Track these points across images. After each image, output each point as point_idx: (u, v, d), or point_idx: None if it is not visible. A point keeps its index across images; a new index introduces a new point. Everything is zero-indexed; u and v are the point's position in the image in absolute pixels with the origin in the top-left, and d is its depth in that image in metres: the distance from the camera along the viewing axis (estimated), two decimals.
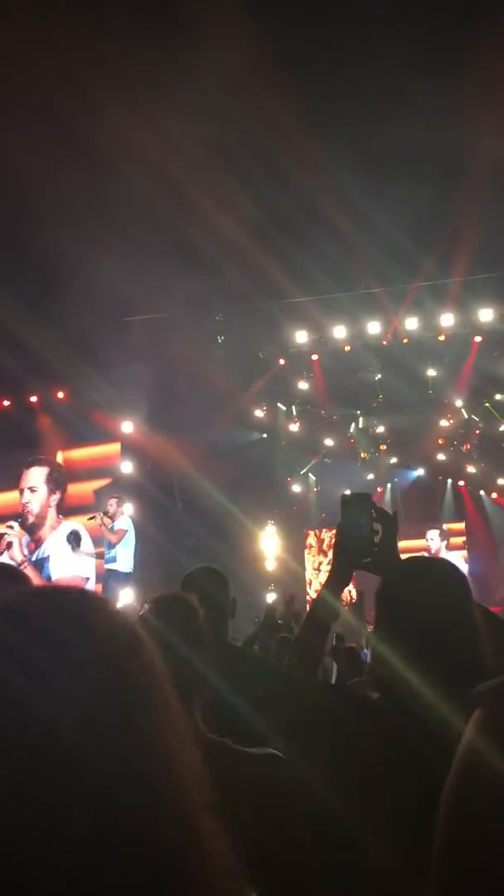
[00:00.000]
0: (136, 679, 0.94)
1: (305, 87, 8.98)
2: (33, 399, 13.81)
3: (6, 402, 13.74)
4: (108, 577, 10.90)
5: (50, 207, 9.45)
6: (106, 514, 11.11)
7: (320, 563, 17.41)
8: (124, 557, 11.11)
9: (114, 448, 13.52)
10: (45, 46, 7.89)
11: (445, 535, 12.54)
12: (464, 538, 17.36)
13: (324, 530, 17.47)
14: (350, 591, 12.69)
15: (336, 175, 9.79)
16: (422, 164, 9.92)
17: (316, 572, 17.42)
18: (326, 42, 8.76)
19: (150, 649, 0.98)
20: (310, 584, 17.11)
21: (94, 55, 8.19)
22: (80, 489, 13.18)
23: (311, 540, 17.82)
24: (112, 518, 11.12)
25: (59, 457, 13.17)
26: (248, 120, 9.15)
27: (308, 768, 1.99)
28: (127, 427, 13.23)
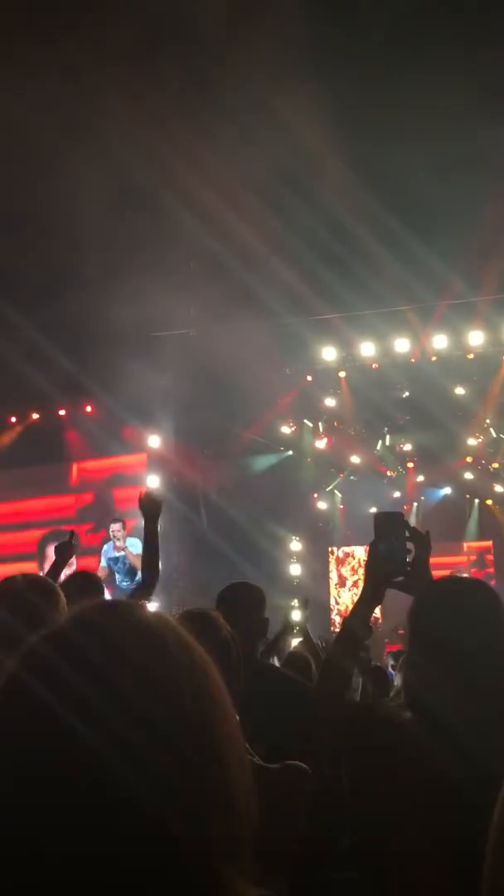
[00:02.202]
0: (210, 701, 0.94)
1: (333, 110, 9.04)
2: (62, 412, 13.93)
3: (35, 416, 13.85)
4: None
5: (86, 232, 9.58)
6: (116, 542, 11.16)
7: (346, 581, 17.37)
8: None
9: (140, 460, 13.62)
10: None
11: (481, 559, 12.48)
12: (491, 556, 17.29)
13: (348, 548, 17.44)
14: (375, 618, 12.65)
15: (364, 195, 9.83)
16: (448, 182, 9.94)
17: (340, 589, 17.37)
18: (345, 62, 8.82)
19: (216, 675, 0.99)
20: (337, 601, 17.08)
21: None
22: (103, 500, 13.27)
23: (337, 557, 17.78)
24: (122, 545, 11.16)
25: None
26: (276, 142, 9.22)
27: (341, 784, 2.00)
28: (154, 441, 13.29)
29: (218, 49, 8.52)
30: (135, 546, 11.33)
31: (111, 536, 11.91)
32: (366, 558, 2.30)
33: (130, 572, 11.46)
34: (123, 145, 9.02)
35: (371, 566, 2.27)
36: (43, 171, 8.90)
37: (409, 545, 2.29)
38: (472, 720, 1.82)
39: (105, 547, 12.24)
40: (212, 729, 0.92)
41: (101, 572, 11.78)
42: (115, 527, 11.75)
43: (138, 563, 11.26)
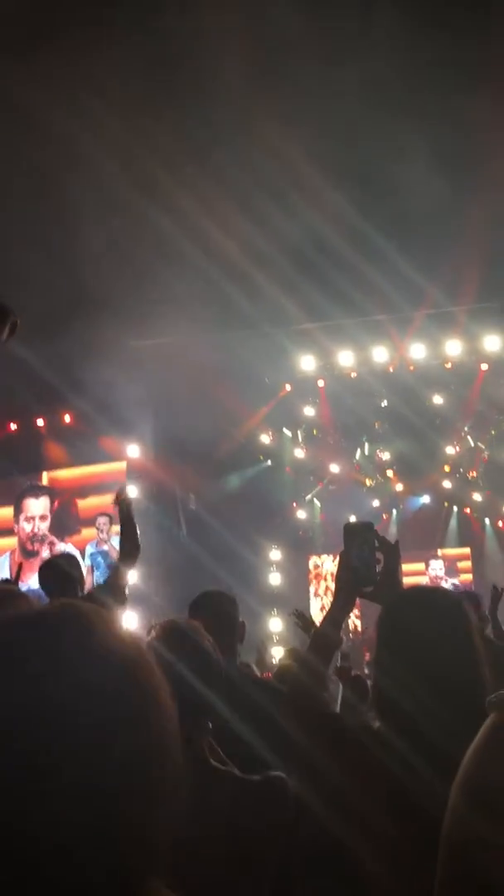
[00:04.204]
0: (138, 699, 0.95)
1: (314, 123, 9.11)
2: (40, 422, 13.88)
3: (13, 426, 13.81)
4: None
5: (65, 243, 9.60)
6: (100, 534, 11.19)
7: (326, 589, 17.38)
8: None
9: (119, 469, 13.60)
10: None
11: (452, 567, 12.59)
12: (470, 563, 17.35)
13: (327, 556, 17.45)
14: (355, 623, 12.68)
15: (342, 206, 9.88)
16: (426, 194, 10.01)
17: (319, 598, 17.38)
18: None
19: (152, 672, 0.99)
20: (321, 609, 17.08)
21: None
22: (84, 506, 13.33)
23: (316, 564, 17.78)
24: (106, 538, 11.18)
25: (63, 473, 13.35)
26: (255, 152, 9.26)
27: (311, 795, 2.01)
28: (133, 451, 13.28)
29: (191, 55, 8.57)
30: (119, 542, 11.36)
31: (97, 528, 11.91)
32: (335, 568, 2.32)
33: (111, 567, 11.48)
34: (108, 155, 9.03)
35: (341, 576, 2.29)
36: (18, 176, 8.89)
37: (379, 555, 2.31)
38: (442, 726, 1.83)
39: (88, 544, 12.25)
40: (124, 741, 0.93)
41: (86, 570, 11.87)
42: (102, 519, 11.77)
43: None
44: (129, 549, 4.55)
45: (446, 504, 18.22)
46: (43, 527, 12.37)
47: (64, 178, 8.93)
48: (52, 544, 12.12)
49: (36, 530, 12.34)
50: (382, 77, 8.45)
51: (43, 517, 12.60)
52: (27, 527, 12.57)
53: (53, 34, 7.51)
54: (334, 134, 9.05)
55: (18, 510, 12.92)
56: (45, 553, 12.05)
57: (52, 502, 12.83)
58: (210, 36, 8.13)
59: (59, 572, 4.29)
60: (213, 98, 8.91)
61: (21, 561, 11.43)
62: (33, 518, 12.67)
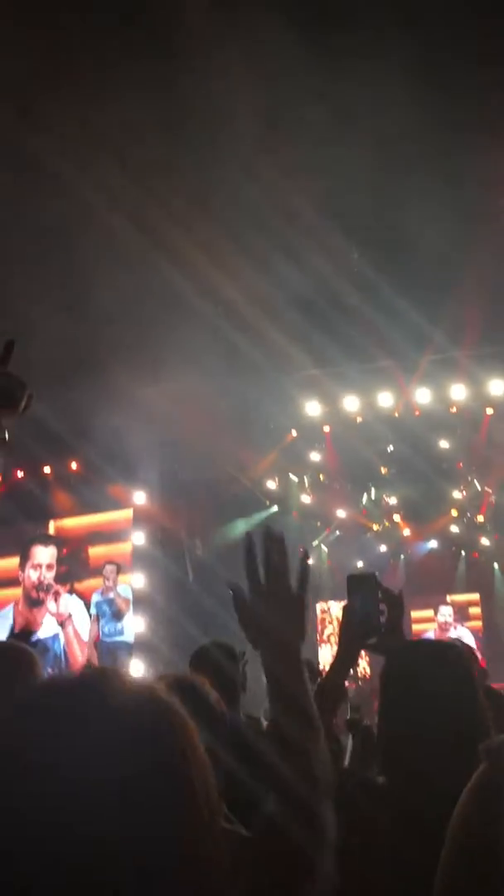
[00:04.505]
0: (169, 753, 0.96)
1: (318, 167, 9.24)
2: (46, 470, 13.91)
3: (20, 474, 13.84)
4: (118, 650, 10.86)
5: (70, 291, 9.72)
6: (106, 581, 11.18)
7: (332, 635, 17.23)
8: (129, 628, 11.10)
9: (125, 517, 13.59)
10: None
11: (462, 613, 12.45)
12: (479, 609, 17.22)
13: (335, 602, 17.33)
14: (365, 669, 12.57)
15: (347, 254, 10.00)
16: (430, 241, 10.12)
17: (328, 644, 17.24)
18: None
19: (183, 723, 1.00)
20: (333, 657, 16.92)
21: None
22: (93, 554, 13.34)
23: (323, 610, 17.66)
24: (112, 586, 11.16)
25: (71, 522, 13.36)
26: (263, 204, 9.39)
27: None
28: (139, 497, 13.29)
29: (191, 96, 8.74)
30: (125, 591, 11.34)
31: (104, 577, 11.87)
32: (339, 618, 2.33)
33: (116, 615, 11.42)
34: (114, 205, 9.17)
35: (345, 627, 2.29)
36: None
37: (383, 605, 2.31)
38: (446, 777, 1.82)
39: (94, 593, 12.23)
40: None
41: (92, 618, 11.88)
42: (109, 567, 11.74)
43: (125, 607, 11.23)
44: None
45: (454, 549, 18.16)
46: (49, 576, 12.34)
47: (75, 234, 9.08)
48: (56, 594, 12.09)
49: (42, 579, 12.31)
50: (391, 133, 8.60)
51: (49, 566, 12.57)
52: (33, 574, 12.54)
53: (64, 93, 7.68)
54: (341, 185, 9.18)
55: (25, 557, 12.89)
56: (50, 603, 11.99)
57: (59, 551, 12.81)
58: (221, 97, 8.29)
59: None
60: (222, 151, 9.07)
61: (24, 611, 11.41)
62: (40, 566, 12.64)
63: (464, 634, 12.10)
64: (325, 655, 16.36)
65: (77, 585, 12.94)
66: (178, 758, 0.96)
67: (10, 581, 13.00)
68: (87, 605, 12.05)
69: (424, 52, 7.85)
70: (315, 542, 17.46)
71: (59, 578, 12.26)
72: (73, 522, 13.85)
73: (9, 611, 12.31)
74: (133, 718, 0.96)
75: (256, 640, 1.58)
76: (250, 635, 1.59)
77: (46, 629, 11.51)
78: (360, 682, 12.32)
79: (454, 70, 8.08)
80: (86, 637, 11.98)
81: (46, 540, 12.96)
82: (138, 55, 7.80)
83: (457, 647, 2.08)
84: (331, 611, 17.17)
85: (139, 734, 0.95)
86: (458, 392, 13.23)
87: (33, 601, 12.21)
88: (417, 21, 7.85)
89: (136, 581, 11.65)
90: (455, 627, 13.08)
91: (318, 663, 16.75)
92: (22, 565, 12.77)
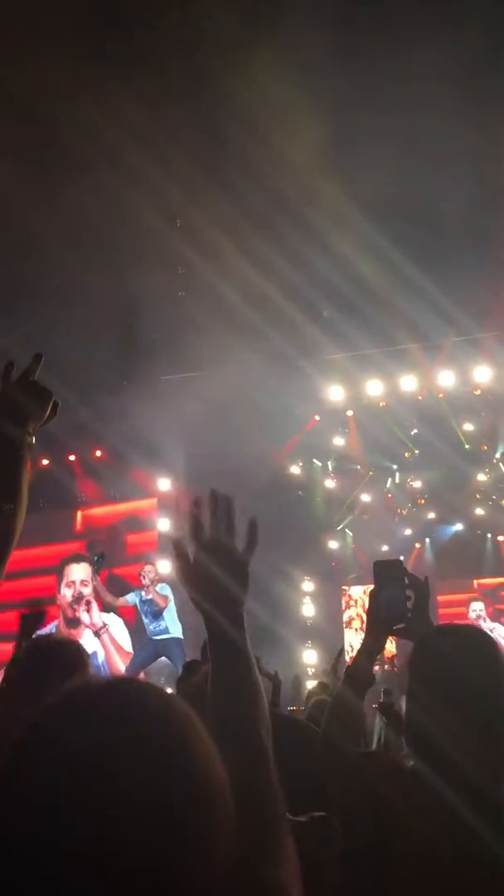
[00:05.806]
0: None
1: (341, 149, 9.21)
2: (72, 458, 13.98)
3: (45, 462, 13.93)
4: (172, 647, 11.01)
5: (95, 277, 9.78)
6: (143, 581, 11.27)
7: (359, 619, 17.21)
8: (175, 623, 11.23)
9: (150, 504, 13.65)
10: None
11: (495, 596, 12.30)
12: None
13: (360, 586, 17.32)
14: (392, 654, 12.57)
15: (372, 237, 9.95)
16: (454, 223, 10.05)
17: (353, 629, 17.23)
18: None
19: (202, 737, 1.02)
20: (351, 644, 16.93)
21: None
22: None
23: (350, 595, 17.65)
24: (153, 583, 11.26)
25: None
26: (291, 192, 9.37)
27: (347, 837, 2.00)
28: (164, 484, 13.33)
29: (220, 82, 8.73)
30: (162, 589, 11.43)
31: (141, 576, 11.93)
32: (367, 599, 2.33)
33: (156, 614, 11.51)
34: (132, 187, 9.18)
35: (372, 614, 2.30)
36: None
37: (409, 591, 2.31)
38: (475, 761, 1.83)
39: (132, 594, 12.27)
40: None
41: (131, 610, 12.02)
42: (148, 568, 11.80)
43: (163, 604, 11.31)
44: None
45: (479, 532, 18.07)
46: (85, 591, 12.50)
47: (107, 227, 9.13)
48: (88, 604, 12.21)
49: (77, 594, 12.48)
50: (423, 123, 8.56)
51: (84, 582, 12.71)
52: (68, 592, 12.68)
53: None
54: (370, 172, 9.13)
55: (60, 577, 13.04)
56: (83, 615, 12.10)
57: (93, 551, 12.88)
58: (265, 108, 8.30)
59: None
60: (239, 125, 9.06)
61: (65, 631, 11.54)
62: (74, 583, 12.80)
63: (497, 628, 11.97)
64: (349, 639, 16.39)
65: (116, 571, 13.04)
66: (198, 775, 0.97)
67: (30, 571, 13.10)
68: (127, 590, 12.14)
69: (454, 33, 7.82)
70: (339, 527, 17.44)
71: (97, 566, 12.26)
72: (100, 511, 13.93)
73: (51, 629, 12.38)
74: (153, 727, 0.98)
75: (198, 593, 1.61)
76: (190, 591, 1.62)
77: (86, 646, 11.47)
78: (386, 666, 12.32)
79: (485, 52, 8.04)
80: (128, 647, 12.14)
81: (79, 558, 13.08)
82: None
83: (485, 633, 2.09)
84: (357, 596, 17.16)
85: (158, 744, 0.97)
86: (482, 374, 13.13)
87: (71, 621, 12.34)
88: None
89: (162, 568, 11.70)
90: (485, 621, 12.95)
91: (344, 647, 16.79)
92: (58, 585, 12.87)
